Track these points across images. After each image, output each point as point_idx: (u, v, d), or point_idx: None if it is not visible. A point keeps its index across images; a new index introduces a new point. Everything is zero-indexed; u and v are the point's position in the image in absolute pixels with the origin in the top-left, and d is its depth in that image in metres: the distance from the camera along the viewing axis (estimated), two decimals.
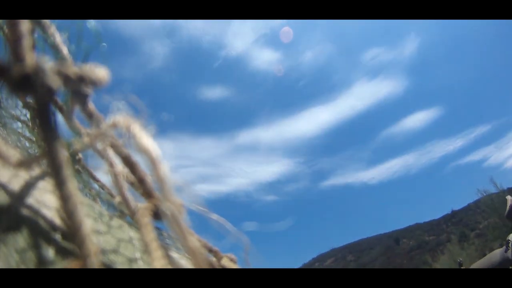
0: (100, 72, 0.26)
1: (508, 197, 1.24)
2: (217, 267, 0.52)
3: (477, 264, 1.52)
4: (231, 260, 0.55)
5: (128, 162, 0.32)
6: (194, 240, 0.28)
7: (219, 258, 0.54)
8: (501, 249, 1.34)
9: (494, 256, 1.39)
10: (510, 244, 1.20)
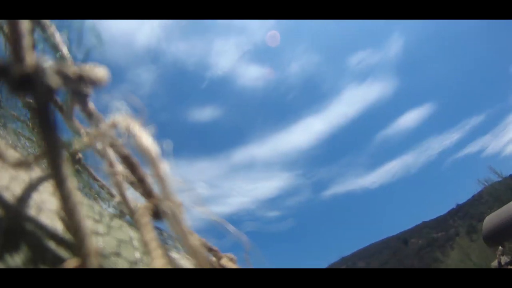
0: (100, 72, 0.26)
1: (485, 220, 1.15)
2: (217, 266, 0.52)
3: (494, 214, 1.42)
4: (231, 259, 0.55)
5: (128, 162, 0.32)
6: (194, 239, 0.28)
7: (218, 258, 0.55)
8: None
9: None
10: None
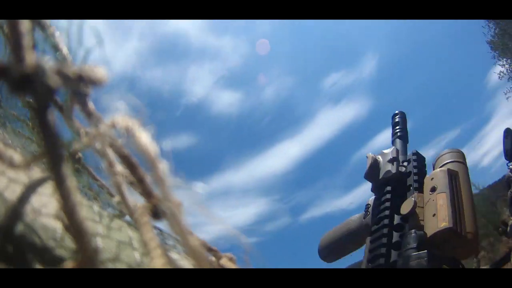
0: (100, 72, 0.26)
1: (368, 155, 1.11)
2: (216, 266, 0.52)
3: (334, 230, 1.34)
4: (230, 259, 0.55)
5: (127, 162, 0.32)
6: (194, 239, 0.28)
7: (218, 258, 0.55)
8: (359, 214, 1.25)
9: (353, 221, 1.28)
10: (369, 209, 1.16)
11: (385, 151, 1.22)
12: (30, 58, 0.23)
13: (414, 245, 0.85)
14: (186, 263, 0.45)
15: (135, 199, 0.37)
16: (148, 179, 0.34)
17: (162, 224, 0.39)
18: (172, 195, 0.27)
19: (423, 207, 0.93)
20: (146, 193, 0.34)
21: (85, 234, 0.26)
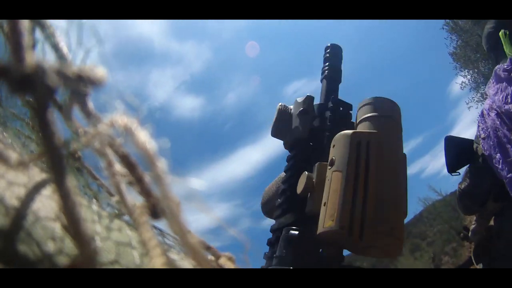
0: (99, 72, 0.26)
1: (279, 105, 0.90)
2: (215, 266, 0.52)
3: (270, 185, 1.24)
4: (229, 259, 0.55)
5: (126, 161, 0.32)
6: (194, 238, 0.28)
7: (217, 257, 0.55)
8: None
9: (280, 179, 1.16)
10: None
11: (298, 99, 0.87)
12: (30, 58, 0.23)
13: (284, 250, 0.66)
14: (185, 263, 0.45)
15: (134, 199, 0.37)
16: (147, 178, 0.34)
17: (162, 224, 0.39)
18: (171, 194, 0.27)
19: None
20: (145, 193, 0.34)
21: (85, 234, 0.26)
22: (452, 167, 2.10)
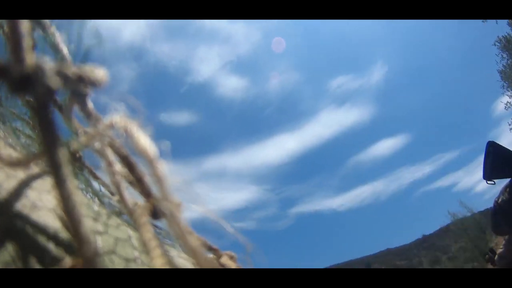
0: (99, 72, 0.26)
1: None
2: (217, 265, 0.52)
3: None
4: (231, 258, 0.55)
5: (126, 161, 0.32)
6: (193, 239, 0.28)
7: (218, 256, 0.55)
8: None
9: None
10: None
11: None
12: (30, 58, 0.23)
13: None
14: (185, 262, 0.45)
15: (135, 198, 0.37)
16: (147, 179, 0.34)
17: (162, 223, 0.39)
18: (171, 195, 0.27)
19: None
20: (145, 193, 0.34)
21: (84, 233, 0.26)
22: (489, 175, 1.93)
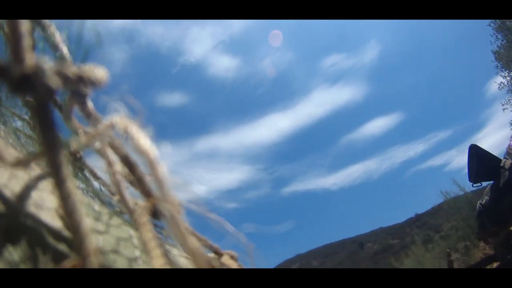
0: (100, 72, 0.26)
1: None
2: (218, 265, 0.52)
3: None
4: (232, 257, 0.55)
5: (126, 162, 0.32)
6: (194, 240, 0.28)
7: (219, 256, 0.55)
8: None
9: None
10: None
11: None
12: (30, 58, 0.23)
13: None
14: (186, 261, 0.45)
15: (135, 198, 0.37)
16: (147, 179, 0.34)
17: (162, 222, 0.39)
18: (171, 196, 0.27)
19: None
20: (145, 193, 0.34)
21: (85, 233, 0.26)
22: (474, 178, 2.02)
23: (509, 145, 1.82)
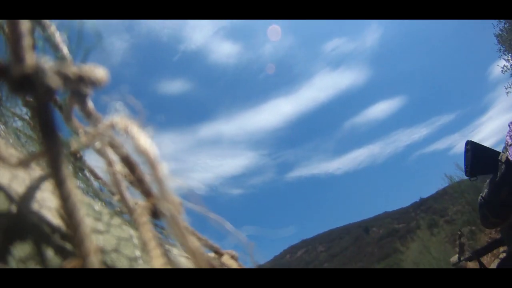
0: (100, 72, 0.26)
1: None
2: (218, 264, 0.52)
3: None
4: (232, 257, 0.55)
5: (127, 161, 0.32)
6: (194, 240, 0.28)
7: (219, 255, 0.55)
8: None
9: None
10: None
11: None
12: (30, 58, 0.23)
13: None
14: (187, 261, 0.45)
15: (135, 198, 0.37)
16: (147, 178, 0.34)
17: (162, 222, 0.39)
18: (171, 195, 0.27)
19: None
20: (146, 192, 0.34)
21: (85, 233, 0.26)
22: (472, 172, 2.09)
23: (506, 141, 1.86)
